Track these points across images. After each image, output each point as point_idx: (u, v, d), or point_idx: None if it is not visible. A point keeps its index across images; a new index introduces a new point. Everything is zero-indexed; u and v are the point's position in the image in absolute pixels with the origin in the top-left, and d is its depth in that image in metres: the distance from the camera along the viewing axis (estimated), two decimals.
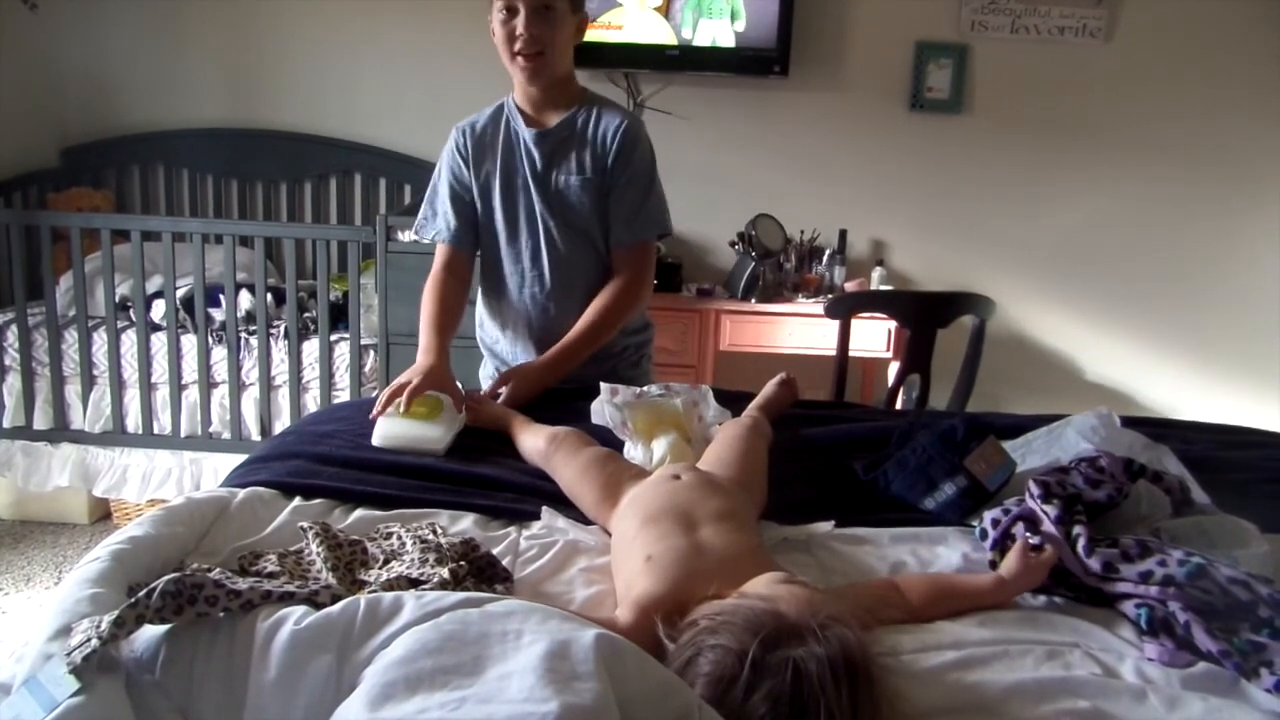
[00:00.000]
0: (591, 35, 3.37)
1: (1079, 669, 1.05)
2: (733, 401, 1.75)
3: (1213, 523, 1.31)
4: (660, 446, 1.56)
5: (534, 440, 1.59)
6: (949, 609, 1.16)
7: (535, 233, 1.95)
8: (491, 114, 1.99)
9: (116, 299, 3.04)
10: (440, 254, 2.02)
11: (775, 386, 1.81)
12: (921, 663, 1.04)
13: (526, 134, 1.92)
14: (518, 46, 1.82)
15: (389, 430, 1.62)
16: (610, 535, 1.35)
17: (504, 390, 1.85)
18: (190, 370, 3.06)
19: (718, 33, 3.45)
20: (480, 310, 2.13)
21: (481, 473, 1.54)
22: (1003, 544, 1.27)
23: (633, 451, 1.59)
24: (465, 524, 1.37)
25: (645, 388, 1.73)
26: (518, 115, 1.94)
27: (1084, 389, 3.74)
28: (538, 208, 1.93)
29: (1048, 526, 1.25)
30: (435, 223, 2.01)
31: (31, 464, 3.08)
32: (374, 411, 1.66)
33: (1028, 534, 1.24)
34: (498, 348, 2.11)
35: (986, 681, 1.01)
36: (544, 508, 1.42)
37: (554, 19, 1.82)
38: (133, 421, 3.09)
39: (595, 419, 1.68)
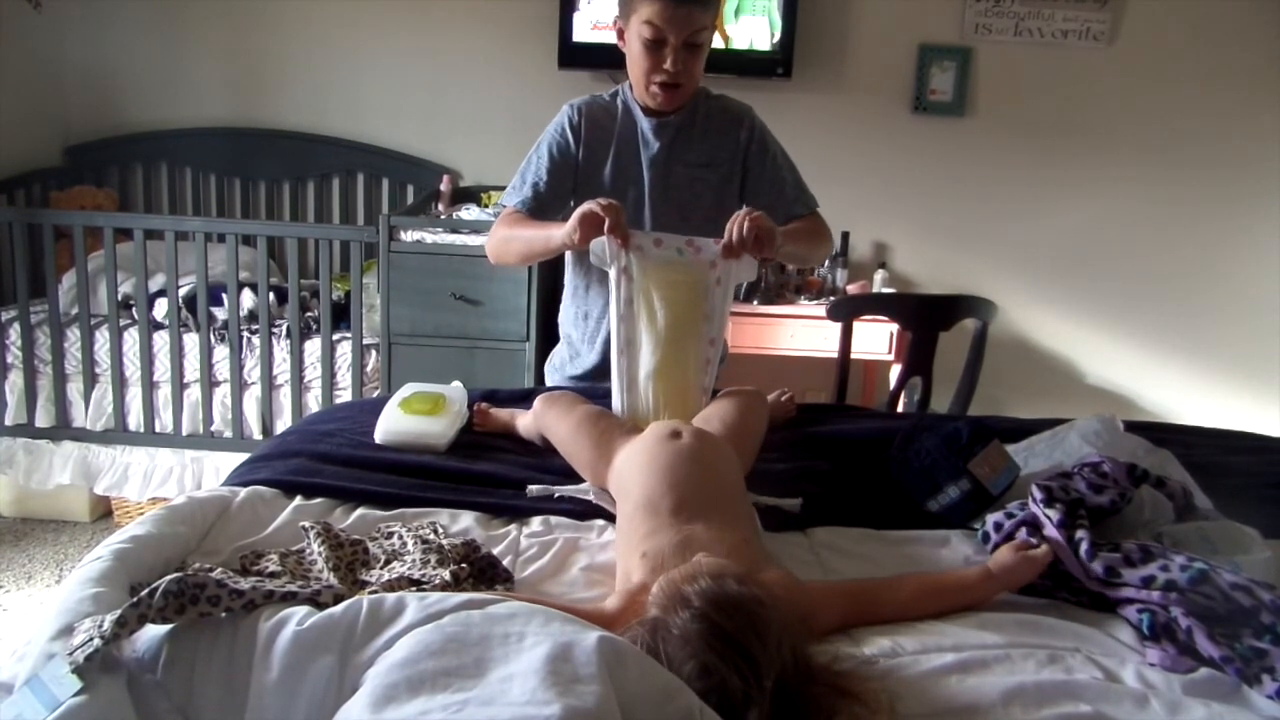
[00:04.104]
0: (594, 36, 3.39)
1: (1080, 673, 1.05)
2: None
3: (1215, 528, 1.31)
4: (647, 358, 1.54)
5: (530, 413, 1.62)
6: (939, 605, 1.17)
7: (641, 222, 1.88)
8: (608, 98, 1.90)
9: (119, 297, 3.04)
10: (509, 213, 1.88)
11: (774, 398, 1.85)
12: (922, 665, 1.05)
13: (645, 123, 1.86)
14: (660, 78, 1.75)
15: (391, 426, 1.62)
16: (605, 491, 1.41)
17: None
18: (192, 369, 3.05)
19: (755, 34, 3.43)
20: (565, 296, 2.04)
21: (481, 470, 1.54)
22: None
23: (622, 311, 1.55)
24: (465, 522, 1.37)
25: (665, 236, 1.62)
26: (635, 104, 1.87)
27: (1086, 392, 3.74)
28: (650, 196, 1.88)
29: (1050, 531, 1.25)
30: (522, 191, 1.87)
31: (33, 461, 3.08)
32: (607, 226, 1.54)
33: (1030, 539, 1.25)
34: (573, 335, 2.04)
35: (987, 684, 1.01)
36: (529, 487, 1.45)
37: (701, 51, 1.76)
38: (134, 420, 3.09)
39: (593, 258, 1.60)
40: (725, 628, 0.90)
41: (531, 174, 1.88)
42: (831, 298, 3.27)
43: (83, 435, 3.09)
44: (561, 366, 2.06)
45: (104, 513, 3.24)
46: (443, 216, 3.25)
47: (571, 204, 1.91)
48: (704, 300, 1.58)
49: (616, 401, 1.62)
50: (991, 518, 1.35)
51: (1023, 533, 1.27)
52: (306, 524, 1.23)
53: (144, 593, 0.91)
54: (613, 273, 1.56)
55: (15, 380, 3.07)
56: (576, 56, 3.41)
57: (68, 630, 0.92)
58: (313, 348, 3.06)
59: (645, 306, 1.56)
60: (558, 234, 1.64)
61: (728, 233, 1.56)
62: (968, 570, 1.24)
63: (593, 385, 1.96)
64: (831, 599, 1.15)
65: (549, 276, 3.06)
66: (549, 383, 2.10)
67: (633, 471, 1.34)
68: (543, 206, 1.87)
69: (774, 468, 1.56)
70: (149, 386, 3.05)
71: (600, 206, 1.55)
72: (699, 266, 1.58)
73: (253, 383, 3.06)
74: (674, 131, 1.86)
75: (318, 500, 1.40)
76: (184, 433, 3.08)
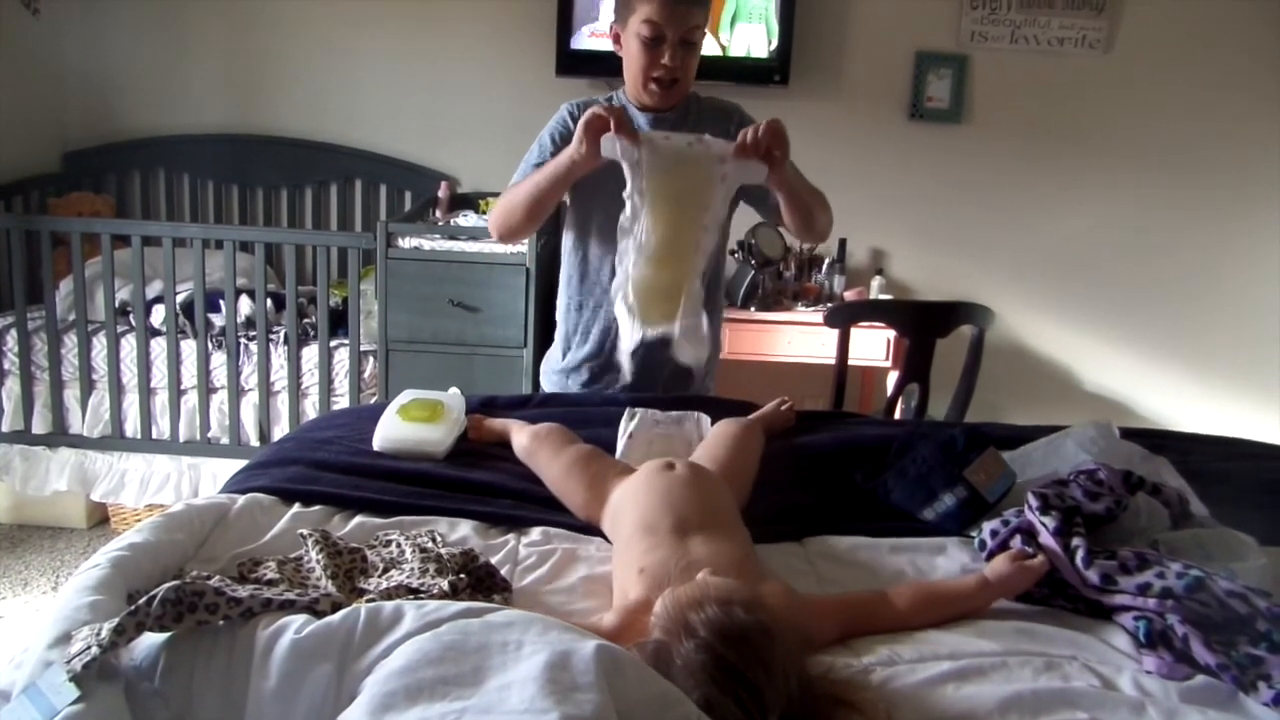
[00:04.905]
0: (589, 44, 3.40)
1: (1077, 681, 1.05)
2: (732, 411, 1.76)
3: (1210, 535, 1.31)
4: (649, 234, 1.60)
5: (521, 438, 1.62)
6: (936, 615, 1.17)
7: (637, 216, 1.89)
8: (605, 99, 1.98)
9: (116, 304, 3.04)
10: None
11: (774, 407, 1.84)
12: (919, 673, 1.05)
13: (642, 119, 1.91)
14: (657, 74, 1.82)
15: (389, 433, 1.62)
16: (601, 532, 1.39)
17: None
18: (189, 375, 3.05)
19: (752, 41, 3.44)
20: (559, 289, 2.08)
21: (479, 479, 1.54)
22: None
23: (629, 220, 1.61)
24: (464, 531, 1.37)
25: (674, 134, 1.67)
26: (631, 104, 1.94)
27: (1083, 398, 3.74)
28: None
29: (1045, 538, 1.25)
30: (524, 172, 1.92)
31: (30, 468, 3.08)
32: (614, 126, 1.60)
33: (1025, 547, 1.25)
34: (565, 328, 2.07)
35: (984, 693, 1.01)
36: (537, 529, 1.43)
37: (696, 50, 1.83)
38: (131, 426, 3.09)
39: (605, 152, 1.62)
40: (730, 660, 0.89)
41: (534, 159, 1.93)
42: (829, 304, 3.28)
43: (79, 442, 3.09)
44: (555, 363, 2.09)
45: (101, 519, 3.23)
46: (440, 223, 3.25)
47: (568, 198, 1.96)
48: (706, 190, 1.64)
49: (619, 278, 1.67)
50: (988, 525, 1.36)
51: (1018, 540, 1.27)
52: (304, 531, 1.23)
53: (142, 600, 0.91)
54: (626, 167, 1.62)
55: (12, 386, 3.07)
56: (574, 64, 3.42)
57: (65, 638, 0.92)
58: (310, 354, 3.06)
59: (651, 190, 1.61)
60: (563, 156, 1.70)
61: (743, 133, 1.61)
62: (964, 579, 1.24)
63: (590, 382, 2.00)
64: (829, 612, 1.14)
65: (547, 281, 3.07)
66: (544, 384, 2.13)
67: (629, 503, 1.33)
68: None
69: (771, 477, 1.56)
70: (146, 393, 3.05)
71: (603, 109, 1.61)
72: (706, 159, 1.64)
73: (250, 389, 3.06)
74: (669, 126, 1.90)
75: (316, 508, 1.40)
76: (181, 439, 3.08)
